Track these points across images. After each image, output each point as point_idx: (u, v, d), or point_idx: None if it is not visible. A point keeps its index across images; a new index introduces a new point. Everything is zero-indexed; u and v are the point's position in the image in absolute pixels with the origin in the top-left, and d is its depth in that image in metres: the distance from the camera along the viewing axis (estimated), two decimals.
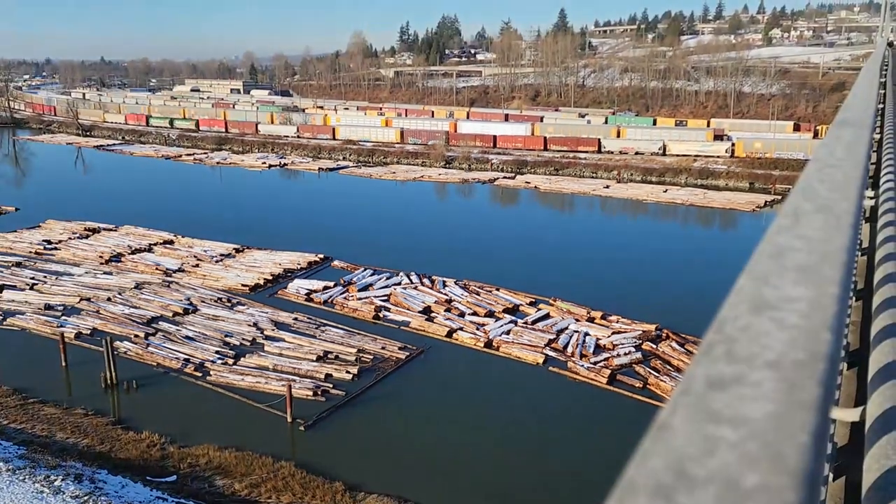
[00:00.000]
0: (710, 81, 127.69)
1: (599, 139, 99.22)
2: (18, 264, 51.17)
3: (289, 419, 29.93)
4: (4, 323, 40.46)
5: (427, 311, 42.15)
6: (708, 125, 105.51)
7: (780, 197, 75.37)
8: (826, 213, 1.54)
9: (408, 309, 42.51)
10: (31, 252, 54.27)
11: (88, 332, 38.93)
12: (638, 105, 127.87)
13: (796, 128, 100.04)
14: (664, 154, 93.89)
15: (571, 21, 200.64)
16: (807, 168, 2.13)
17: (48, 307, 42.55)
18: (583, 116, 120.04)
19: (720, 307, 0.97)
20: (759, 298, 0.93)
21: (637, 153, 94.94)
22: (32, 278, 47.82)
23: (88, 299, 43.87)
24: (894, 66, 25.44)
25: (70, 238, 57.80)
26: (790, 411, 0.69)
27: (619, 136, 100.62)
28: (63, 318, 40.94)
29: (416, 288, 45.93)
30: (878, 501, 2.15)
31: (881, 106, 14.95)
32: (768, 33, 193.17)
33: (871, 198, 7.68)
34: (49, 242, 56.41)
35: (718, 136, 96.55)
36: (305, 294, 44.92)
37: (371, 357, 36.13)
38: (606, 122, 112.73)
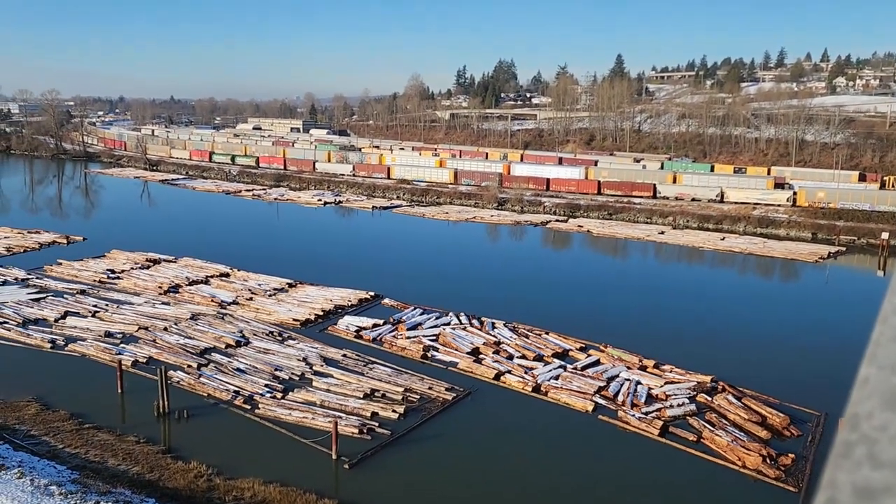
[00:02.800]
0: (770, 129, 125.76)
1: (654, 184, 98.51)
2: (83, 292, 53.11)
3: (334, 456, 29.96)
4: (66, 348, 41.88)
5: (475, 353, 41.98)
6: (768, 173, 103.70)
7: (844, 248, 73.42)
8: None
9: (456, 349, 42.44)
10: (95, 280, 56.29)
11: (144, 360, 39.93)
12: (695, 151, 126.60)
13: (862, 178, 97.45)
14: (722, 201, 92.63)
15: (628, 66, 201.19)
16: None
17: (108, 334, 43.91)
18: (638, 161, 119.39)
19: (848, 401, 0.87)
20: (892, 391, 0.81)
21: (693, 199, 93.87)
22: (95, 306, 49.50)
23: (146, 328, 45.12)
24: None
25: (132, 268, 59.77)
26: None
27: (675, 181, 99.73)
28: (121, 345, 42.16)
29: (464, 329, 45.88)
30: None
31: None
32: (832, 81, 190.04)
33: None
34: (112, 272, 58.44)
35: (779, 185, 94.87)
36: (355, 331, 45.29)
37: (418, 397, 36.06)
38: (662, 167, 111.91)
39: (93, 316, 47.50)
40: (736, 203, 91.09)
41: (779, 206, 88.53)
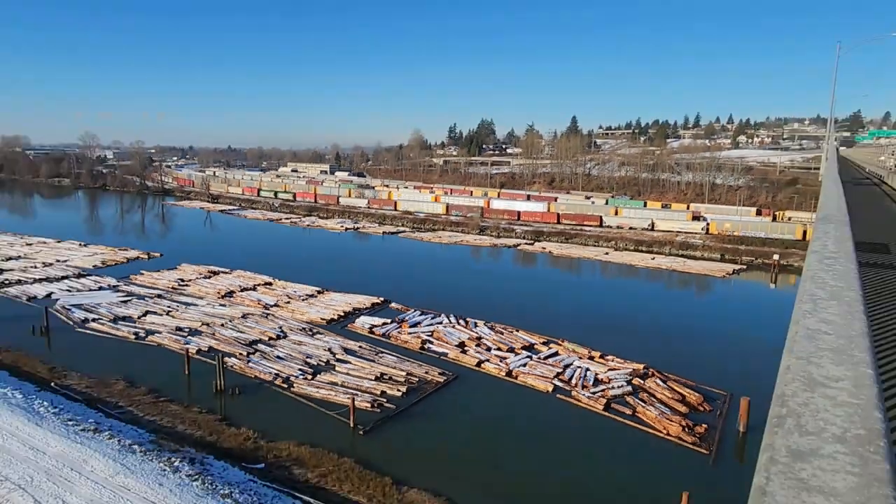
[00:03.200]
0: (689, 174, 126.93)
1: (601, 216, 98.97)
2: (159, 296, 53.03)
3: (351, 425, 30.02)
4: (146, 339, 41.83)
5: (461, 346, 42.07)
6: (687, 208, 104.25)
7: (745, 266, 73.94)
8: (839, 301, 1.54)
9: (447, 343, 42.53)
10: (168, 287, 56.18)
11: (206, 349, 39.92)
12: (632, 191, 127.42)
13: (758, 212, 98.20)
14: (652, 229, 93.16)
15: (581, 125, 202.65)
16: (808, 258, 1.95)
17: (178, 329, 43.89)
18: (588, 198, 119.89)
19: (776, 384, 0.97)
20: (809, 377, 0.84)
21: (630, 228, 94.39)
22: (168, 307, 49.44)
23: (207, 324, 45.10)
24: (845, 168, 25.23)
25: (197, 278, 59.72)
26: (870, 484, 0.58)
27: (616, 214, 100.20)
28: (188, 337, 42.12)
29: (454, 326, 45.98)
30: None
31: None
32: (735, 139, 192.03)
33: None
34: (182, 280, 58.36)
35: (696, 217, 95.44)
36: (368, 328, 45.35)
37: (417, 379, 36.14)
38: (607, 203, 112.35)
39: (167, 314, 47.46)
40: (663, 231, 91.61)
41: (695, 233, 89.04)
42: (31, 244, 76.97)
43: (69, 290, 54.00)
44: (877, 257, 10.64)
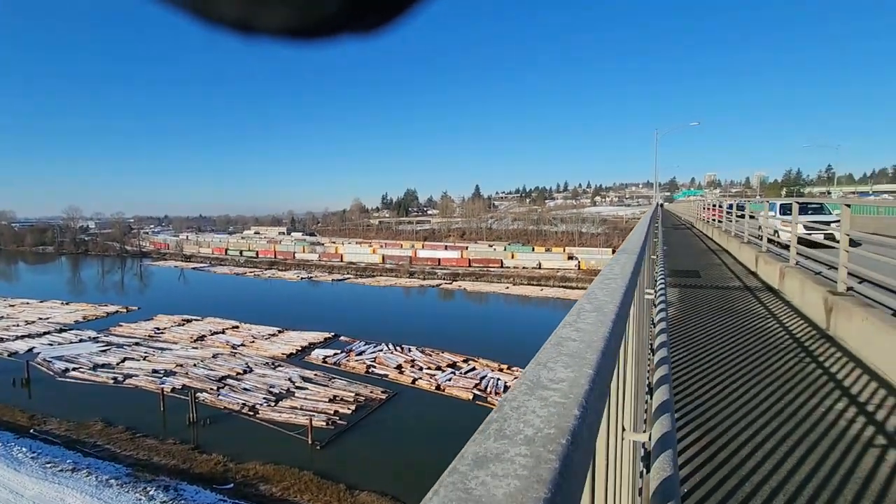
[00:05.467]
0: (563, 225, 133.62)
1: (502, 259, 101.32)
2: (137, 344, 48.22)
3: (310, 442, 28.18)
4: (124, 383, 37.67)
5: (399, 367, 41.05)
6: (564, 251, 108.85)
7: None
8: (599, 312, 1.31)
9: (387, 366, 41.38)
10: (145, 335, 51.29)
11: (180, 387, 36.44)
12: (522, 239, 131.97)
13: (613, 251, 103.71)
14: (540, 268, 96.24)
15: (483, 191, 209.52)
16: (594, 282, 1.85)
17: (154, 371, 39.93)
18: (491, 246, 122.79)
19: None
20: (536, 380, 0.66)
21: (524, 267, 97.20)
22: (145, 353, 45.04)
23: (181, 365, 41.38)
24: (657, 214, 27.34)
25: (172, 326, 54.98)
26: (529, 488, 0.48)
27: (513, 257, 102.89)
28: (164, 378, 38.38)
29: (392, 352, 44.92)
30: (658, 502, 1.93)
31: (655, 239, 16.01)
32: (593, 199, 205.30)
33: (649, 294, 7.96)
34: (158, 329, 53.49)
35: (570, 257, 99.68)
36: (322, 358, 43.34)
37: (364, 398, 34.71)
38: (505, 249, 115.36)
39: (143, 359, 43.15)
40: (547, 269, 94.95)
41: (570, 269, 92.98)
42: (13, 305, 67.89)
43: (50, 344, 47.93)
44: (689, 280, 11.57)
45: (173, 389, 35.78)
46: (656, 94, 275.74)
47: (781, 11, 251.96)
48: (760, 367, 5.71)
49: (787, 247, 10.82)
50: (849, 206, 7.44)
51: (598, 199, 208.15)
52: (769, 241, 13.02)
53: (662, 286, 7.73)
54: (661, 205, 61.14)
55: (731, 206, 19.93)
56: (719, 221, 22.03)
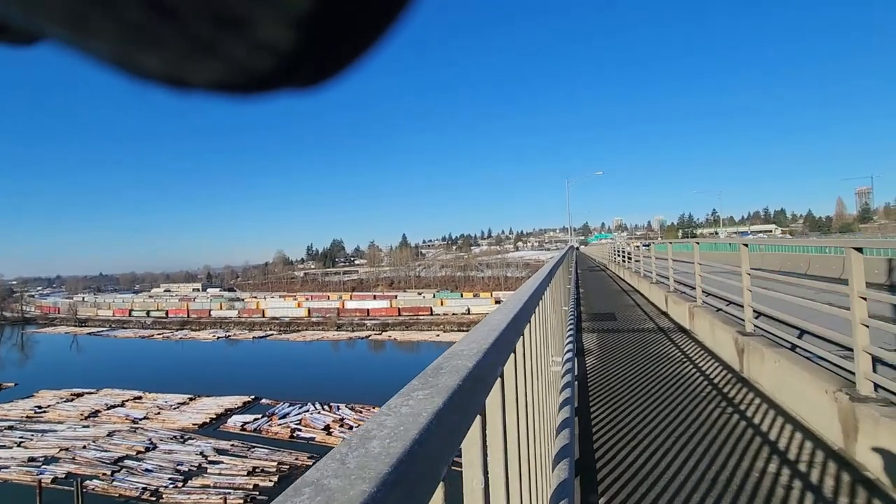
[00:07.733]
0: (489, 270, 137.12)
1: (431, 307, 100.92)
2: (10, 427, 40.78)
3: None
4: None
5: (327, 428, 38.23)
6: (491, 295, 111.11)
7: None
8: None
9: (314, 428, 38.39)
10: (22, 417, 43.68)
11: (63, 475, 30.98)
12: (451, 286, 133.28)
13: None
14: (469, 314, 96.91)
15: (410, 239, 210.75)
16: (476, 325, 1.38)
17: (31, 459, 33.74)
18: (420, 294, 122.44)
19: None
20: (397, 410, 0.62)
21: (453, 314, 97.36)
22: (21, 437, 38.14)
23: (67, 449, 35.41)
24: (571, 257, 28.58)
25: (58, 402, 47.47)
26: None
27: (442, 304, 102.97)
28: (43, 466, 32.48)
29: (319, 412, 41.93)
30: None
31: (569, 286, 16.50)
32: (516, 244, 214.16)
33: (556, 363, 5.82)
34: (39, 407, 45.83)
35: (497, 301, 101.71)
36: (241, 425, 39.34)
37: (287, 466, 31.62)
38: (434, 296, 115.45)
39: (18, 446, 36.47)
40: (476, 313, 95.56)
41: None
42: None
43: None
44: (605, 324, 11.82)
45: (55, 479, 30.36)
46: (566, 144, 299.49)
47: (667, 87, 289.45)
48: (684, 420, 5.46)
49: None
50: (746, 245, 7.44)
51: (520, 244, 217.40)
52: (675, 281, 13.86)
53: (571, 348, 5.85)
54: (577, 248, 64.73)
55: (638, 247, 21.30)
56: (629, 261, 23.33)
